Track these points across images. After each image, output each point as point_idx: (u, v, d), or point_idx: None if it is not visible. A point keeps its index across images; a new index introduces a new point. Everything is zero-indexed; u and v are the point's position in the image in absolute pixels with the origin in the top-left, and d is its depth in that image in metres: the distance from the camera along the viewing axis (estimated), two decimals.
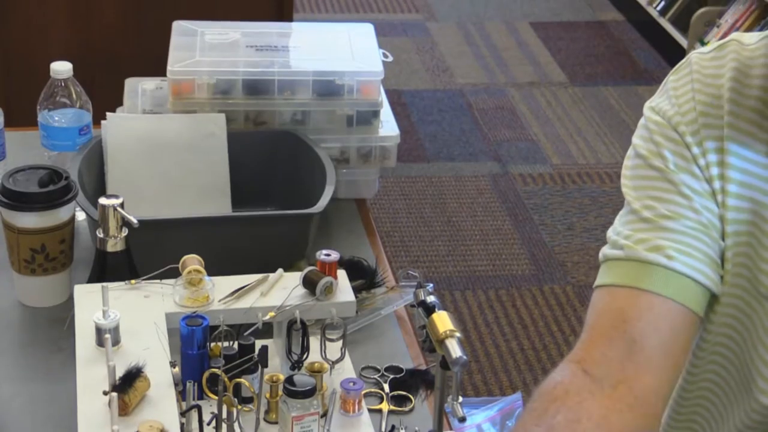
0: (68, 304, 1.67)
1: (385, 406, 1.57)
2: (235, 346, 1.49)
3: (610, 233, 1.38)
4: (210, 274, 1.54)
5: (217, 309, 1.52)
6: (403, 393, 1.60)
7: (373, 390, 1.60)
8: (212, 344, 1.49)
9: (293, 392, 1.41)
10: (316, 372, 1.50)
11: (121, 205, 1.63)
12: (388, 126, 2.05)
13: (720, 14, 4.82)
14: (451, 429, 1.55)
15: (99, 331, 1.45)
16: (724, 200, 1.35)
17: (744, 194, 1.35)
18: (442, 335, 1.36)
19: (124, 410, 1.35)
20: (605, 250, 1.37)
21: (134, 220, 1.62)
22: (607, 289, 1.34)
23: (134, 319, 1.49)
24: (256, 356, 1.46)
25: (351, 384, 1.50)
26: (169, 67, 1.97)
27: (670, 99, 1.39)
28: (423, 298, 1.43)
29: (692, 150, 1.35)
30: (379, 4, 5.59)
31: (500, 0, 5.70)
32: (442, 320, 1.38)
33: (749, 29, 4.64)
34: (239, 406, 1.43)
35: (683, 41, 4.92)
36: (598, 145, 4.41)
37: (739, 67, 1.36)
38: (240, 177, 1.95)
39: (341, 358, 1.54)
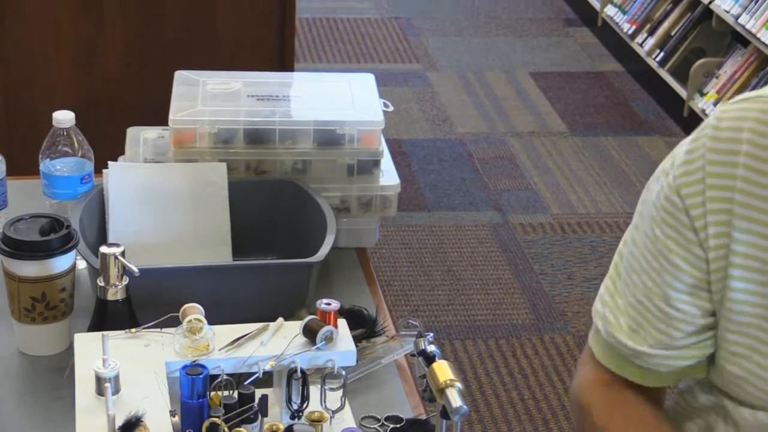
0: (68, 353, 1.67)
1: None
2: (235, 395, 1.48)
3: (602, 288, 1.45)
4: (210, 322, 1.54)
5: (218, 358, 1.52)
6: None
7: None
8: (212, 393, 1.48)
9: None
10: (316, 421, 1.50)
11: (122, 254, 1.63)
12: (388, 175, 2.06)
13: (719, 65, 4.85)
14: None
15: (99, 380, 1.45)
16: (728, 273, 1.30)
17: (753, 266, 1.29)
18: (443, 385, 1.36)
19: None
20: (594, 308, 1.46)
21: (135, 269, 1.62)
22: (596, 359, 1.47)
23: (134, 368, 1.49)
24: (256, 405, 1.46)
25: None
26: (170, 116, 1.97)
27: (686, 153, 1.32)
28: (423, 347, 1.43)
29: (690, 213, 1.31)
30: (380, 54, 5.62)
31: (500, 50, 5.73)
32: (443, 370, 1.38)
33: (748, 80, 4.66)
34: None
35: (682, 92, 4.95)
36: (598, 194, 4.42)
37: (758, 128, 1.26)
38: (241, 226, 1.96)
39: (341, 408, 1.54)
